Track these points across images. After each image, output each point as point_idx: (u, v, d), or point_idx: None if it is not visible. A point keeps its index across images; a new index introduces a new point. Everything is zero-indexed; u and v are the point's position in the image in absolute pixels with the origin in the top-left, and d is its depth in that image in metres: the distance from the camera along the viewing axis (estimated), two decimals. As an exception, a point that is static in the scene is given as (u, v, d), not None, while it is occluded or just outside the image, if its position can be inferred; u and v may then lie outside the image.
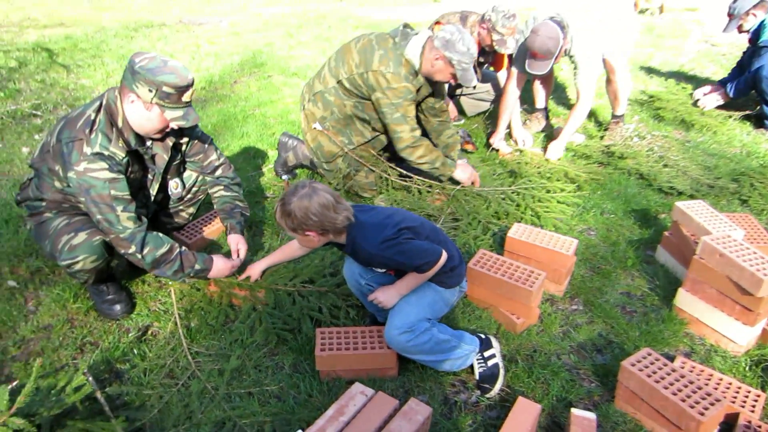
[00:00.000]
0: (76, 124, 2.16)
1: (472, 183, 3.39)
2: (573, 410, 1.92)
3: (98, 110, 2.20)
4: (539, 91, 4.38)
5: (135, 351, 2.33)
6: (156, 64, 2.11)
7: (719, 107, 4.63)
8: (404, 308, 2.05)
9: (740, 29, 4.40)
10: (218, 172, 2.71)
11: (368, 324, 2.40)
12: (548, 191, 3.35)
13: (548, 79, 4.31)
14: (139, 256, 2.23)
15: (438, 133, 3.50)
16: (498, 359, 2.17)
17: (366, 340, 2.16)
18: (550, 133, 4.32)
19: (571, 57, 3.67)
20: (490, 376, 2.14)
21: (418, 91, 3.16)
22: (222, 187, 2.71)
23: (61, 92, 5.11)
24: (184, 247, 2.39)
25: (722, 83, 4.65)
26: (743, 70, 4.53)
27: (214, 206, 2.76)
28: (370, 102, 3.19)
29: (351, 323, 2.40)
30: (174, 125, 2.24)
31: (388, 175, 3.40)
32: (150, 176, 2.48)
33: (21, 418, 1.68)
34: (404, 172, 3.40)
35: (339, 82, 3.16)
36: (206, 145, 2.64)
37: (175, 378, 2.21)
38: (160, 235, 2.32)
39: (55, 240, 2.27)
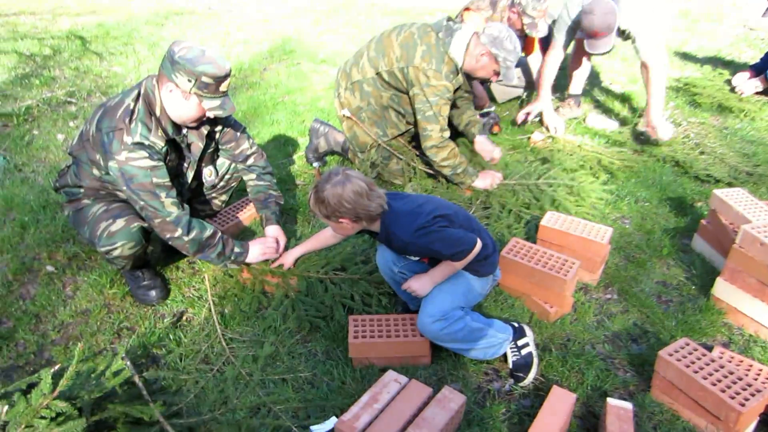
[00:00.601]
0: (116, 113, 2.19)
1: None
2: (609, 400, 1.90)
3: (136, 99, 2.22)
4: (575, 77, 4.28)
5: (170, 336, 2.37)
6: (195, 54, 2.12)
7: (758, 93, 4.49)
8: (437, 296, 2.05)
9: None
10: (250, 161, 2.71)
11: (400, 312, 2.40)
12: (573, 179, 3.28)
13: (584, 64, 4.22)
14: (186, 239, 2.27)
15: (461, 113, 3.48)
16: (532, 348, 2.16)
17: (399, 328, 2.16)
18: (582, 119, 4.25)
19: (624, 32, 3.55)
20: (523, 365, 2.13)
21: (455, 91, 3.13)
22: (254, 176, 2.73)
23: (94, 79, 5.19)
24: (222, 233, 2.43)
25: (755, 68, 4.50)
26: None
27: (249, 195, 2.79)
28: (407, 96, 3.17)
29: (383, 311, 2.41)
30: (211, 114, 2.26)
31: (416, 164, 3.38)
32: (185, 164, 2.51)
33: (63, 401, 1.72)
34: (427, 170, 3.39)
35: (378, 73, 3.14)
36: (239, 134, 2.65)
37: (210, 363, 2.24)
38: (201, 220, 2.37)
39: (94, 227, 2.31)
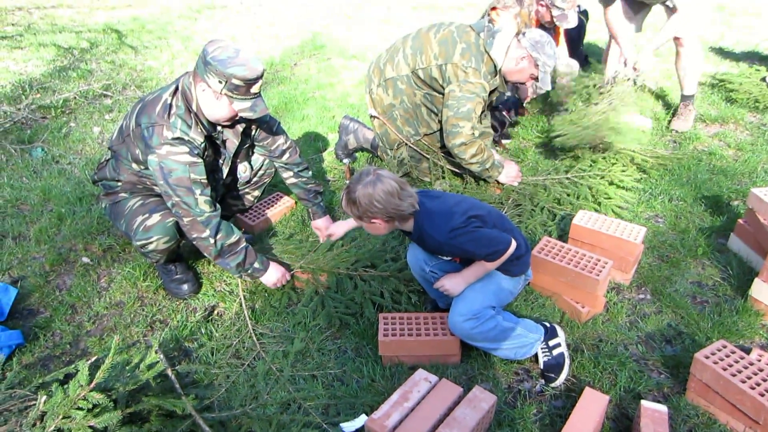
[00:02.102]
0: (155, 108, 2.21)
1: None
2: (643, 402, 1.87)
3: (174, 94, 2.23)
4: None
5: (202, 330, 2.40)
6: (227, 55, 2.11)
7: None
8: (469, 295, 2.03)
9: None
10: (285, 157, 2.72)
11: (429, 310, 2.39)
12: (603, 176, 3.24)
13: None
14: (212, 240, 2.26)
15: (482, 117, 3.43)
16: (563, 348, 2.13)
17: (429, 327, 2.16)
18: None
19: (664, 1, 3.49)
20: (555, 365, 2.10)
21: (491, 93, 3.11)
22: (292, 174, 2.76)
23: (129, 73, 5.29)
24: (249, 244, 2.42)
25: None
26: None
27: (292, 193, 2.81)
28: (440, 95, 3.15)
29: (413, 309, 2.41)
30: (242, 116, 2.25)
31: (442, 163, 3.36)
32: (221, 160, 2.53)
33: (99, 392, 1.76)
34: (454, 169, 3.37)
35: (414, 71, 3.12)
36: (274, 129, 2.65)
37: (240, 358, 2.26)
38: (231, 224, 2.36)
39: (131, 220, 2.35)
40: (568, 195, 3.13)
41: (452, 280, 2.04)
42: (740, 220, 2.75)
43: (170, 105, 2.21)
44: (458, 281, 2.04)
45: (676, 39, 3.60)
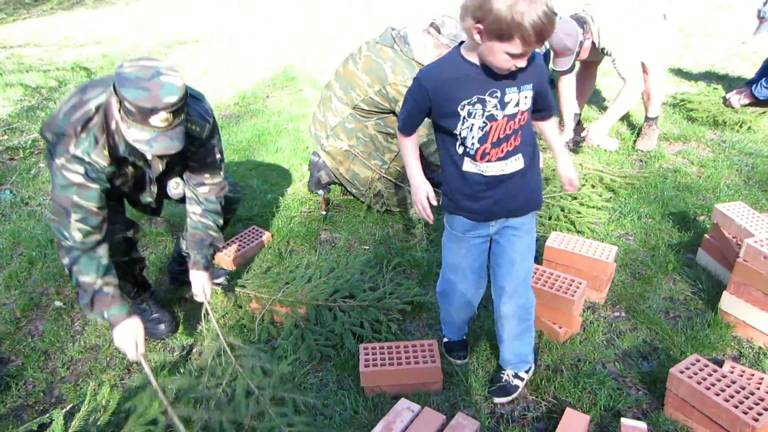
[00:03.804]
0: (77, 112, 2.00)
1: None
2: (623, 420, 1.90)
3: (100, 105, 2.02)
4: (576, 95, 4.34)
5: (181, 370, 2.36)
6: (136, 75, 1.85)
7: (752, 104, 4.54)
8: (526, 262, 1.97)
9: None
10: (203, 190, 2.40)
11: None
12: (575, 198, 3.32)
13: (586, 85, 4.29)
14: (67, 270, 2.13)
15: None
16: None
17: (410, 355, 2.17)
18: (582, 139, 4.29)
19: (603, 50, 3.68)
20: (513, 388, 2.16)
21: None
22: (200, 211, 2.42)
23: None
24: (113, 289, 2.13)
25: (750, 83, 4.56)
26: None
27: (185, 230, 2.47)
28: (391, 115, 3.20)
29: (393, 338, 2.41)
30: (136, 146, 1.95)
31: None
32: (148, 178, 2.34)
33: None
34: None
35: (355, 107, 3.17)
36: (208, 160, 2.36)
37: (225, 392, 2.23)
38: (104, 263, 2.13)
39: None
40: (541, 216, 3.19)
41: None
42: (706, 235, 2.83)
43: (90, 118, 2.00)
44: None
45: (641, 64, 3.76)
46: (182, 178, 2.44)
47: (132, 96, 1.83)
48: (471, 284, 2.09)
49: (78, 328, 2.64)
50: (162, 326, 2.53)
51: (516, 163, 1.80)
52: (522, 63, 1.58)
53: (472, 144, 1.74)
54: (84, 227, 2.05)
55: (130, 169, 2.22)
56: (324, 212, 3.45)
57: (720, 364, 2.21)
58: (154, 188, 2.38)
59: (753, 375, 2.11)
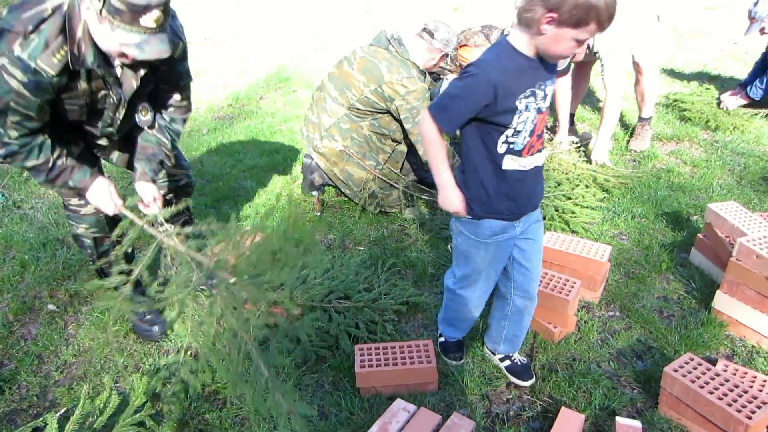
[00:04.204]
0: (29, 10, 1.76)
1: None
2: (618, 419, 1.90)
3: (58, 7, 1.78)
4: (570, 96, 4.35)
5: (176, 372, 2.35)
6: None
7: (745, 106, 4.57)
8: (540, 258, 2.07)
9: (762, 32, 4.34)
10: (168, 111, 2.30)
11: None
12: (569, 198, 3.33)
13: (580, 85, 4.30)
14: (5, 160, 1.97)
15: None
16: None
17: (405, 355, 2.17)
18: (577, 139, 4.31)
19: (595, 53, 3.68)
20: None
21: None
22: (157, 127, 2.27)
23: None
24: (68, 160, 2.04)
25: (743, 85, 4.60)
26: (765, 69, 4.47)
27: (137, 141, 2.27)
28: (386, 115, 3.22)
29: (389, 338, 2.41)
30: (124, 51, 1.76)
31: (412, 191, 3.41)
32: (114, 99, 2.08)
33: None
34: (426, 188, 3.42)
35: (351, 107, 3.18)
36: (181, 83, 2.25)
37: (218, 396, 2.23)
38: (47, 142, 1.98)
39: (64, 193, 2.31)
40: (544, 216, 3.19)
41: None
42: (700, 235, 2.85)
43: (44, 18, 1.76)
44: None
45: (635, 65, 3.78)
46: (149, 104, 2.23)
47: None
48: (493, 283, 2.10)
49: (72, 332, 2.62)
50: (156, 328, 2.52)
51: (543, 154, 1.85)
52: (582, 49, 1.62)
53: (524, 138, 1.74)
54: (21, 128, 1.89)
55: (82, 85, 1.95)
56: (319, 213, 3.45)
57: (713, 362, 2.22)
58: (120, 114, 2.13)
59: (746, 373, 2.12)
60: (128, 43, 1.72)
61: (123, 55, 1.81)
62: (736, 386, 1.93)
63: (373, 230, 3.31)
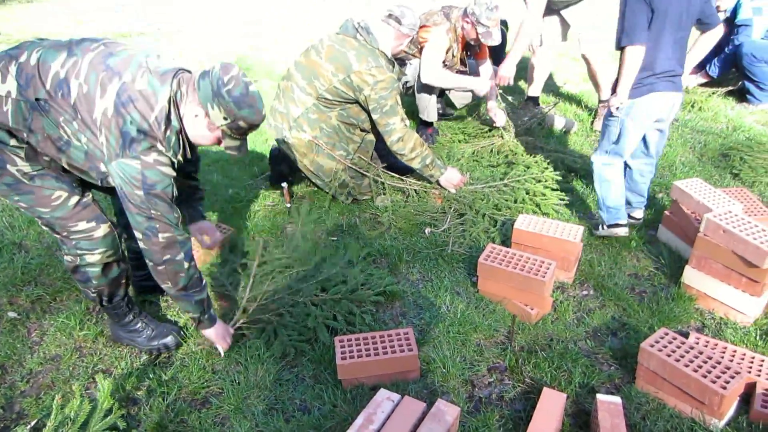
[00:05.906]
0: (151, 111, 1.84)
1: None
2: (598, 396, 1.93)
3: (171, 102, 1.88)
4: (533, 80, 4.38)
5: (150, 375, 2.28)
6: (240, 92, 1.85)
7: (702, 85, 4.69)
8: None
9: (718, 9, 4.45)
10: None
11: None
12: (539, 181, 3.36)
13: (542, 67, 4.34)
14: (186, 265, 2.01)
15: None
16: None
17: (386, 345, 2.15)
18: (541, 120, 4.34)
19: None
20: None
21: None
22: (190, 184, 2.47)
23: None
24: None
25: (701, 64, 4.71)
26: (721, 48, 4.58)
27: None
28: (354, 105, 3.18)
29: (367, 329, 2.39)
30: (229, 152, 2.02)
31: (383, 179, 3.38)
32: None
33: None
34: (396, 175, 3.40)
35: (319, 97, 3.13)
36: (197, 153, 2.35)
37: (196, 398, 2.17)
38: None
39: (66, 220, 2.07)
40: (507, 200, 3.21)
41: None
42: (666, 212, 2.91)
43: (168, 116, 1.87)
44: None
45: (582, 56, 3.89)
46: None
47: (250, 117, 1.88)
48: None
49: (36, 339, 2.51)
50: (170, 338, 2.40)
51: None
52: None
53: None
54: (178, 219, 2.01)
55: None
56: (289, 204, 3.39)
57: (686, 335, 2.28)
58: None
59: (717, 345, 2.19)
60: (232, 146, 1.99)
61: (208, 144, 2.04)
62: (710, 358, 1.98)
63: (344, 219, 3.27)
